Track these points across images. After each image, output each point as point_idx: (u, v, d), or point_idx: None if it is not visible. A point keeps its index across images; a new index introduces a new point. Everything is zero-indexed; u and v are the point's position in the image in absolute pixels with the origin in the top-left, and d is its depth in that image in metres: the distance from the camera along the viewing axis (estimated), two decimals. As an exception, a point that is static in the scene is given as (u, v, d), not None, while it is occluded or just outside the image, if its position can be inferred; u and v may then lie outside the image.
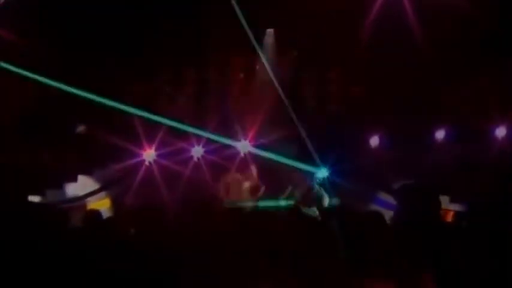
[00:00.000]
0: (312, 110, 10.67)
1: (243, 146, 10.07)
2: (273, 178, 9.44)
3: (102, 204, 9.04)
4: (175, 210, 4.28)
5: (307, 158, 9.72)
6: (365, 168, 9.49)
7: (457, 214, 3.45)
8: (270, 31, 10.64)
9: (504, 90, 10.15)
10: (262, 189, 9.38)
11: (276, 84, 10.15)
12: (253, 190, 9.41)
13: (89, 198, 9.65)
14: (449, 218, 3.42)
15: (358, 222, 4.03)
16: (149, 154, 9.95)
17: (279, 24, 10.39)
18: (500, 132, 10.09)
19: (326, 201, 8.51)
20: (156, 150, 9.96)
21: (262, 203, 8.86)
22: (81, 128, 10.17)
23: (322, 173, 9.51)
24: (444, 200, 9.03)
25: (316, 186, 8.56)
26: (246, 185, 9.47)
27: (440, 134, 10.25)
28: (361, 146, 10.25)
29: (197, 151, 10.06)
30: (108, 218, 4.71)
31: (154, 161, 9.91)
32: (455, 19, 9.45)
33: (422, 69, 9.79)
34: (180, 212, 4.17)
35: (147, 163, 9.90)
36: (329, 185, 9.06)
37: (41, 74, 9.68)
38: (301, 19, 9.83)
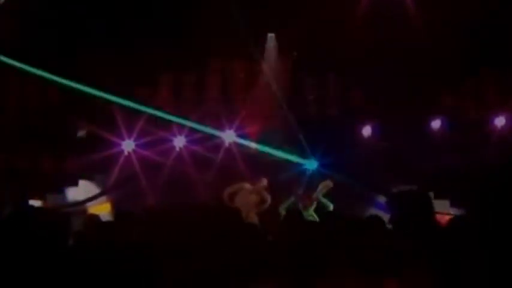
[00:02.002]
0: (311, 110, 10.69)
1: (228, 136, 10.08)
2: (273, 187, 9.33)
3: (102, 209, 9.03)
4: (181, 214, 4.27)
5: (297, 150, 9.74)
6: (361, 168, 9.49)
7: (456, 218, 3.46)
8: (271, 36, 10.68)
9: (503, 85, 10.20)
10: (269, 201, 9.23)
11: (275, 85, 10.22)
12: (260, 202, 9.24)
13: (89, 203, 9.66)
14: (448, 222, 3.43)
15: (358, 226, 4.04)
16: (128, 144, 9.95)
17: (280, 29, 10.43)
18: (500, 122, 10.08)
19: (331, 207, 8.50)
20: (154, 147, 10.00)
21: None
22: (82, 132, 10.17)
23: (312, 164, 9.49)
24: (444, 204, 9.04)
25: (321, 197, 8.54)
26: (253, 197, 9.29)
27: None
28: (357, 143, 10.25)
29: (180, 141, 10.06)
30: (108, 222, 4.72)
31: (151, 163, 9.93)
32: (453, 18, 9.49)
33: (420, 70, 9.83)
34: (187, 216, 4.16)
35: (127, 152, 9.93)
36: (319, 176, 9.09)
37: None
38: (302, 23, 9.87)
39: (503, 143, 9.88)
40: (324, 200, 8.46)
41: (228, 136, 10.10)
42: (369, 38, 9.98)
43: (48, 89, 10.29)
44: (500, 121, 10.10)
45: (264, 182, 9.26)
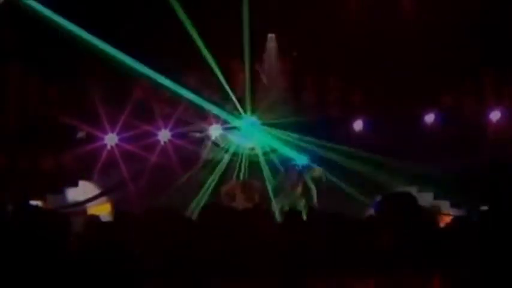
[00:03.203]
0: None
1: (214, 130, 10.03)
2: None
3: (102, 209, 9.02)
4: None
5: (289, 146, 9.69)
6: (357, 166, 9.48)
7: (456, 218, 3.47)
8: (271, 36, 10.69)
9: (503, 85, 10.21)
10: (256, 200, 9.15)
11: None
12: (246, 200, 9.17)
13: (89, 204, 9.65)
14: (448, 222, 3.44)
15: (357, 226, 4.02)
16: (111, 138, 9.87)
17: (280, 29, 10.44)
18: (498, 120, 10.07)
19: (315, 195, 8.51)
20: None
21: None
22: (82, 134, 10.16)
23: (302, 160, 9.46)
24: (444, 204, 9.05)
25: (308, 179, 8.56)
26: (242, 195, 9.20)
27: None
28: (352, 141, 10.22)
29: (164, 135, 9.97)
30: (109, 223, 4.71)
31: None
32: (453, 18, 9.52)
33: (420, 69, 9.84)
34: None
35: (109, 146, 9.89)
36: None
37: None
38: (302, 24, 9.89)
39: (503, 143, 9.89)
40: (310, 183, 8.46)
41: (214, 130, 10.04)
42: (368, 37, 10.01)
43: (48, 89, 10.29)
44: (498, 119, 10.11)
45: (257, 184, 9.20)
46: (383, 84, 10.17)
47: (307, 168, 8.98)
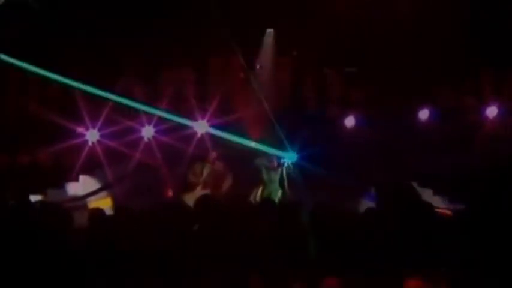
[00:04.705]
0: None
1: (200, 125, 9.82)
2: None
3: (103, 204, 9.05)
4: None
5: (275, 142, 9.54)
6: (350, 162, 9.50)
7: (455, 213, 3.50)
8: (269, 31, 10.66)
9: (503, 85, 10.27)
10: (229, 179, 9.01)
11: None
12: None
13: (89, 198, 9.68)
14: (447, 217, 3.47)
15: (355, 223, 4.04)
16: (92, 134, 9.84)
17: (279, 24, 10.46)
18: (496, 117, 10.12)
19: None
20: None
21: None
22: (81, 129, 10.20)
23: (290, 157, 9.30)
24: (443, 200, 9.08)
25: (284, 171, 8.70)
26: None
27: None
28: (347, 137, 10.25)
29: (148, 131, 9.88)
30: (112, 217, 4.73)
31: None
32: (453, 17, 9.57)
33: (421, 68, 9.89)
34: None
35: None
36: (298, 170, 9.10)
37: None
38: (301, 20, 9.93)
39: (503, 142, 9.93)
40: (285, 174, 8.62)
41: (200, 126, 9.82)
42: (367, 36, 10.05)
43: (48, 87, 10.32)
44: (497, 118, 10.16)
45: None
46: (382, 83, 10.21)
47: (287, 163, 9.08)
